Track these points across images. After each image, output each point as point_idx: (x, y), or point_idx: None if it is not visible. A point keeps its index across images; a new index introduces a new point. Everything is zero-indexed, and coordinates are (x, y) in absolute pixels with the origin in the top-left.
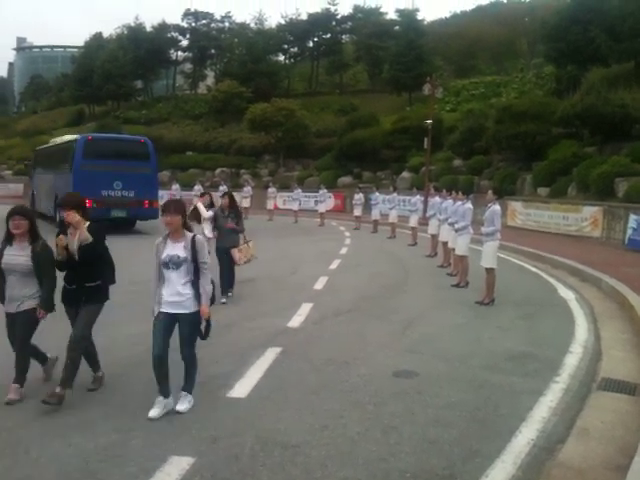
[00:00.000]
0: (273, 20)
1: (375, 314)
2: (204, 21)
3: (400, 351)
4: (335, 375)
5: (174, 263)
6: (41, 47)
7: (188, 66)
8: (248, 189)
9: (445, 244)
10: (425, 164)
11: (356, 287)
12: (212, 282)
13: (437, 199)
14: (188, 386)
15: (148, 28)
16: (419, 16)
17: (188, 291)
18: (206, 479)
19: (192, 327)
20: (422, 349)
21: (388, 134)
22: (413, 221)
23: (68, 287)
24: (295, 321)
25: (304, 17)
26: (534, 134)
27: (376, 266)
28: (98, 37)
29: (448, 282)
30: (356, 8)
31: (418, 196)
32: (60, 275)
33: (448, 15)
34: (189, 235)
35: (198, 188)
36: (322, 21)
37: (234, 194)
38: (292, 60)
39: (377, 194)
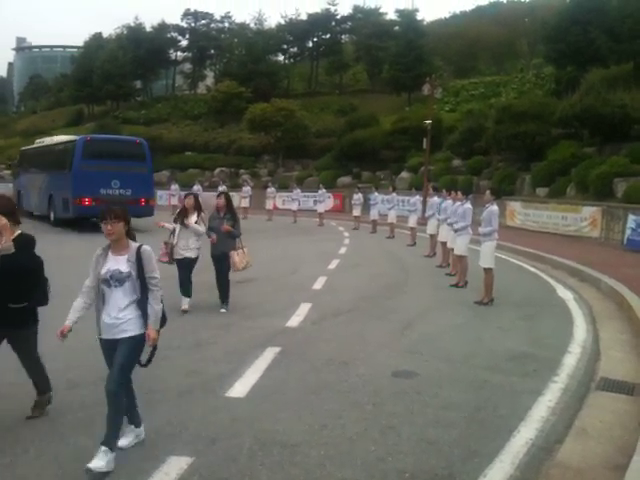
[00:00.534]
0: (273, 20)
1: (374, 314)
2: (204, 21)
3: (399, 351)
4: (334, 375)
5: (116, 279)
6: (40, 47)
7: (188, 66)
8: (247, 189)
9: (444, 244)
10: (424, 164)
11: (355, 287)
12: (162, 301)
13: (436, 199)
14: (108, 438)
15: (148, 28)
16: (419, 16)
17: (132, 312)
18: (205, 478)
19: (130, 352)
20: (421, 349)
21: (387, 134)
22: (412, 221)
23: None
24: (294, 321)
25: (304, 17)
26: (533, 134)
27: (375, 266)
28: (97, 37)
29: (447, 282)
30: (356, 8)
31: (417, 196)
32: None
33: (448, 15)
34: (134, 246)
35: (197, 188)
36: (322, 21)
37: (234, 193)
38: (292, 60)
39: (376, 194)
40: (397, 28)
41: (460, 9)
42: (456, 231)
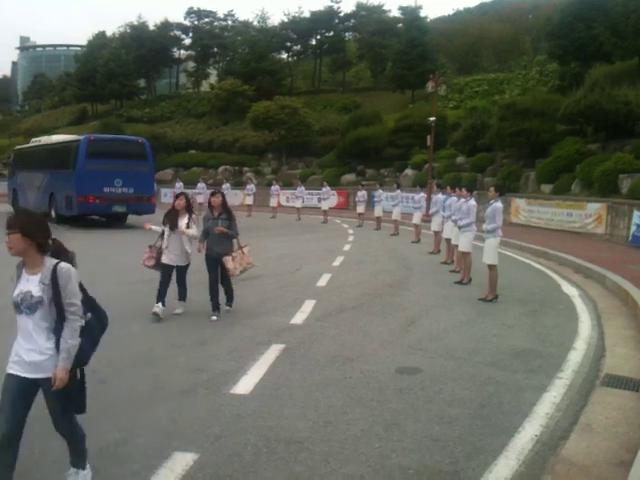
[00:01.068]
0: (276, 18)
1: (378, 311)
2: (207, 19)
3: (404, 348)
4: (338, 372)
5: (27, 306)
6: (44, 46)
7: (191, 64)
8: (251, 187)
9: (449, 241)
10: (428, 161)
11: (359, 284)
12: (87, 329)
13: (440, 196)
14: (78, 460)
15: (151, 27)
16: (422, 13)
17: (50, 345)
18: (210, 475)
19: (62, 396)
20: (426, 346)
21: (391, 132)
22: (416, 218)
23: None
24: (298, 318)
25: (307, 15)
26: (537, 131)
27: (379, 263)
28: (101, 36)
29: (451, 279)
30: (359, 6)
31: (421, 193)
32: None
33: (451, 12)
34: (49, 263)
35: (201, 186)
36: (325, 19)
37: (237, 191)
38: (295, 58)
39: (380, 191)
40: (400, 25)
41: (463, 6)
42: (460, 228)
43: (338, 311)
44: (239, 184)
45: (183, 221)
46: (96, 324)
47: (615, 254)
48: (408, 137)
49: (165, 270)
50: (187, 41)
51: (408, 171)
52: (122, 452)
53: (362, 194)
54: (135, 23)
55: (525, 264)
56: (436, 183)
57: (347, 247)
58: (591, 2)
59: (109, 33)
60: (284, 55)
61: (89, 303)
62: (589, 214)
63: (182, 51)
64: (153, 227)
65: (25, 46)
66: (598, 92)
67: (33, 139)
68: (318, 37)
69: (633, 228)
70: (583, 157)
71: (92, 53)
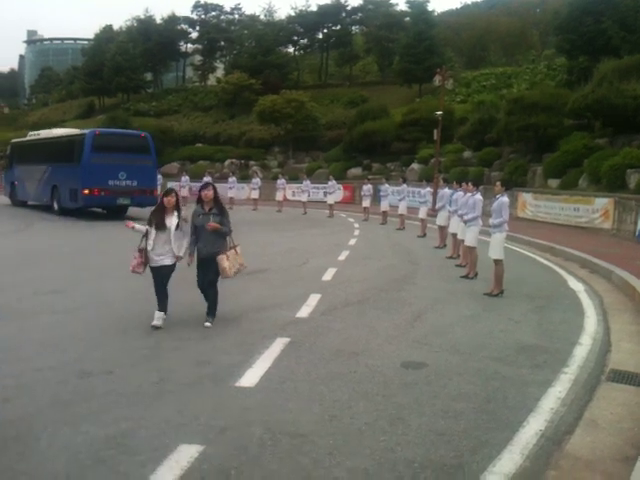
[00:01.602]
0: (283, 12)
1: (384, 305)
2: (214, 13)
3: (409, 342)
4: (344, 366)
5: None
6: (51, 40)
7: (198, 58)
8: (257, 180)
9: (455, 235)
10: (435, 156)
11: (365, 278)
12: None
13: (447, 190)
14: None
15: (158, 20)
16: (429, 7)
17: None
18: (215, 467)
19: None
20: (431, 340)
21: (398, 126)
22: (422, 213)
23: None
24: (304, 312)
25: (314, 8)
26: (545, 126)
27: (385, 258)
28: (108, 30)
29: (457, 274)
30: None
31: (428, 188)
32: None
33: (459, 6)
34: None
35: (208, 179)
36: (332, 12)
37: (244, 185)
38: (302, 52)
39: (386, 185)
40: (407, 19)
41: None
42: (466, 222)
43: (344, 305)
44: (245, 178)
45: (171, 221)
46: None
47: (622, 249)
48: (415, 131)
49: (157, 273)
50: (194, 35)
51: (415, 165)
52: (128, 443)
53: (367, 188)
54: (142, 17)
55: (531, 259)
56: (443, 177)
57: (353, 241)
58: None
59: (116, 27)
60: (291, 49)
61: None
62: (596, 209)
63: (189, 45)
64: (136, 226)
65: (32, 40)
66: (606, 86)
67: (30, 132)
68: (325, 31)
69: None
70: (591, 152)
71: (99, 47)
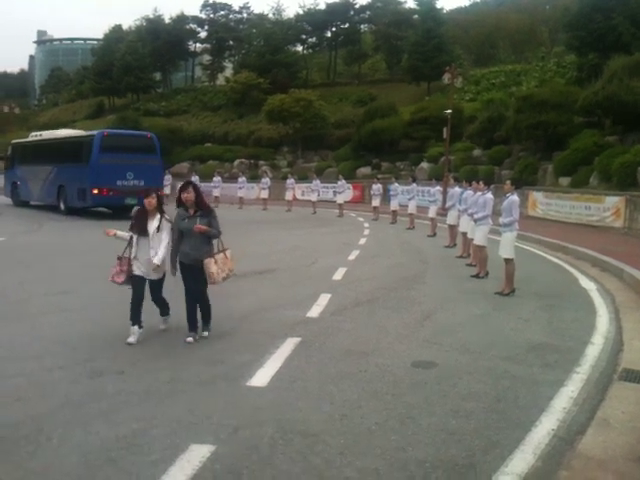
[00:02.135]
0: (291, 10)
1: (394, 305)
2: (222, 12)
3: (419, 342)
4: (354, 365)
5: None
6: (61, 40)
7: (207, 58)
8: (266, 180)
9: (465, 234)
10: (444, 154)
11: (375, 278)
12: None
13: (457, 189)
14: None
15: (167, 20)
16: (438, 5)
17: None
18: (226, 467)
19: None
20: (441, 340)
21: (407, 124)
22: (432, 212)
23: None
24: (314, 311)
25: (322, 7)
26: (555, 123)
27: (395, 257)
28: (117, 29)
29: (467, 273)
30: None
31: (437, 187)
32: None
33: (467, 3)
34: None
35: (217, 180)
36: (340, 11)
37: (253, 184)
38: (310, 50)
39: (396, 185)
40: (416, 17)
41: None
42: (476, 221)
43: (354, 305)
44: (255, 177)
45: (154, 224)
46: None
47: (633, 248)
48: (424, 130)
49: (137, 283)
50: (203, 34)
51: (424, 164)
52: (140, 442)
53: (377, 187)
54: (151, 16)
55: (542, 257)
56: (453, 176)
57: (363, 241)
58: None
59: (125, 26)
60: (299, 47)
61: None
62: (607, 207)
63: (198, 44)
64: (118, 233)
65: (42, 40)
66: (617, 83)
67: (32, 133)
68: (333, 29)
69: None
70: (601, 150)
71: (109, 47)
